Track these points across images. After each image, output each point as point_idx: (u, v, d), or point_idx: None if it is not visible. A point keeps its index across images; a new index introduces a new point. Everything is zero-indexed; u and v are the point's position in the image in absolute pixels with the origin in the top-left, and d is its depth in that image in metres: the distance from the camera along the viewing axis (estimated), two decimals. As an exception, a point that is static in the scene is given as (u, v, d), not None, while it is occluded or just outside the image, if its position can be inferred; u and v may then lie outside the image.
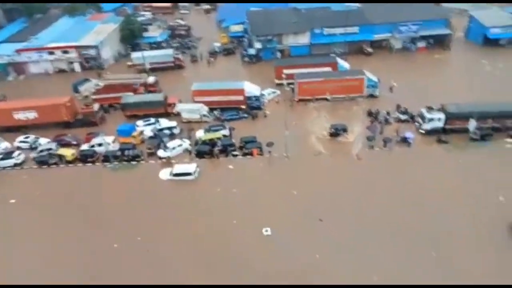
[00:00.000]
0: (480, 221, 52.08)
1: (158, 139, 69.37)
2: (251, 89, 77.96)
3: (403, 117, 71.80)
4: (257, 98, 77.07)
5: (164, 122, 73.52)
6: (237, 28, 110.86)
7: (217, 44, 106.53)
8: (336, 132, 68.51)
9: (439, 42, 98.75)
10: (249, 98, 76.91)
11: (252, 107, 76.59)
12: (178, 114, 75.71)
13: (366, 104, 76.99)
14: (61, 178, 63.93)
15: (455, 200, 55.03)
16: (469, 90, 78.21)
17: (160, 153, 66.87)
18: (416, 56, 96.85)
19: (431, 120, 67.01)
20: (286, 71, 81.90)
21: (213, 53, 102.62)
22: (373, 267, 47.09)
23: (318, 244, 49.88)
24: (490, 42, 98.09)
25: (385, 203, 54.97)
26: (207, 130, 69.99)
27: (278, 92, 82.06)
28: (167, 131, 71.23)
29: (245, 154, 65.57)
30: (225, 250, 49.61)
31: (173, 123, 72.91)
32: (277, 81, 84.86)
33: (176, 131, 71.76)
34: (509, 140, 66.15)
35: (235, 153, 65.73)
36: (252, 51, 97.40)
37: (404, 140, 65.98)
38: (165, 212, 55.66)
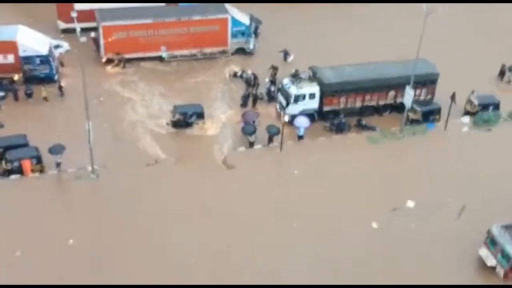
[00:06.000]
0: None
1: None
2: (32, 41, 43.05)
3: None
4: (44, 59, 42.64)
5: None
6: None
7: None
8: (185, 119, 38.63)
9: None
10: (27, 59, 42.29)
11: (33, 78, 42.32)
12: None
13: (235, 65, 45.80)
14: None
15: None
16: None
17: None
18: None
19: (297, 98, 38.63)
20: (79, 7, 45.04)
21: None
22: None
23: None
24: None
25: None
26: None
27: (66, 45, 46.02)
28: None
29: (7, 172, 34.56)
30: None
31: None
32: (62, 25, 48.12)
33: None
34: (464, 119, 40.81)
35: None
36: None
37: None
38: None
